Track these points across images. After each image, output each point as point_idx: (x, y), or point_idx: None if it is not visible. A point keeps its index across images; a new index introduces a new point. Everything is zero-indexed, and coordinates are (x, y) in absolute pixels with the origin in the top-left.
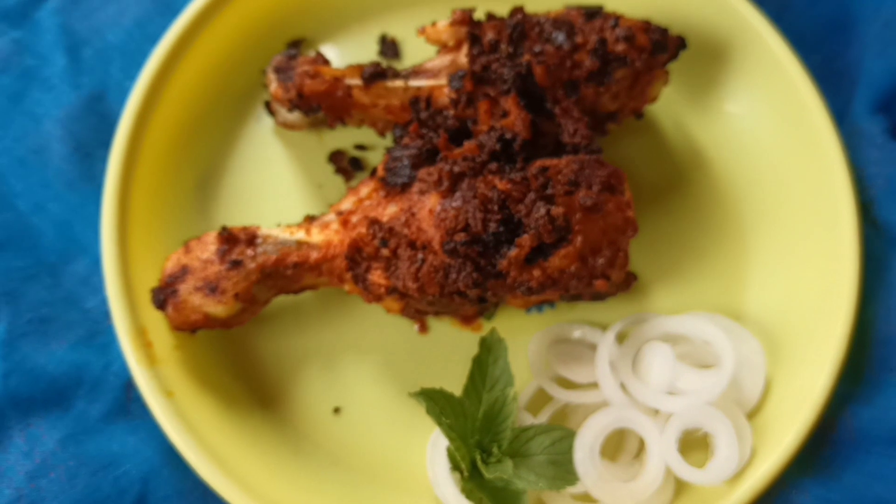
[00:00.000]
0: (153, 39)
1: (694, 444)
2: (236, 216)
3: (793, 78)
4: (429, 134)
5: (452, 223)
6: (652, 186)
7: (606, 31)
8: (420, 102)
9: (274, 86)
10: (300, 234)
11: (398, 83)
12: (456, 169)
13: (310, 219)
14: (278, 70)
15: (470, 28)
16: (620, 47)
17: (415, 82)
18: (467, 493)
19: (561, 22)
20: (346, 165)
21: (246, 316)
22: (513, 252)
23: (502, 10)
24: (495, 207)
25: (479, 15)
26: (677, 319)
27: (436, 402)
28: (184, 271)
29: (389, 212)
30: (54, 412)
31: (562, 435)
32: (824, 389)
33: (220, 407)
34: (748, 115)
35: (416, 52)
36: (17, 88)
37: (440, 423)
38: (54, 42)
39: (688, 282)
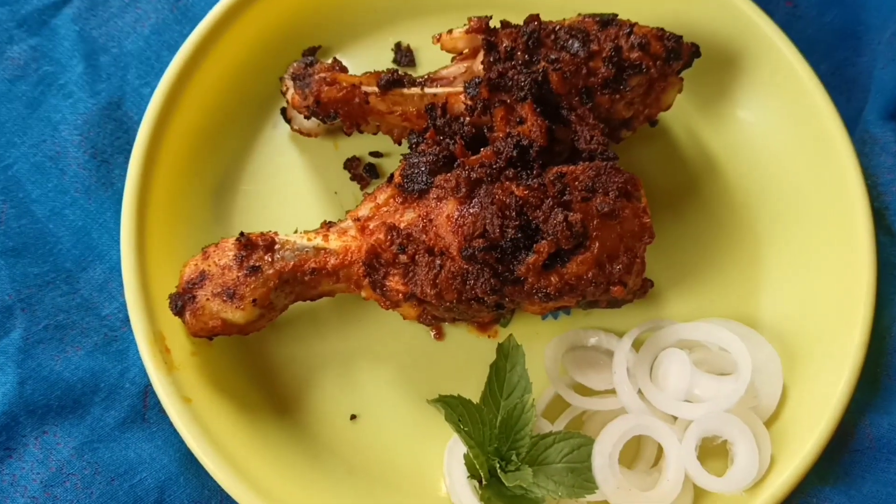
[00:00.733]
0: (170, 47)
1: (712, 452)
2: (252, 222)
3: (806, 85)
4: (445, 141)
5: (470, 229)
6: (666, 193)
7: (621, 39)
8: (436, 109)
9: (291, 93)
10: (318, 241)
11: (414, 90)
12: (473, 175)
13: (327, 225)
14: (295, 77)
15: (486, 36)
16: (635, 55)
17: (431, 89)
18: (485, 500)
19: (576, 30)
20: (362, 172)
21: (263, 322)
22: (531, 258)
23: (516, 18)
24: (513, 213)
25: (493, 23)
26: (693, 326)
27: (454, 410)
28: (202, 277)
29: (407, 218)
30: (70, 419)
31: (581, 442)
32: (842, 397)
33: (237, 413)
34: (761, 122)
35: (431, 59)
36: (34, 95)
37: (459, 431)
38: (72, 49)
39: (702, 288)
